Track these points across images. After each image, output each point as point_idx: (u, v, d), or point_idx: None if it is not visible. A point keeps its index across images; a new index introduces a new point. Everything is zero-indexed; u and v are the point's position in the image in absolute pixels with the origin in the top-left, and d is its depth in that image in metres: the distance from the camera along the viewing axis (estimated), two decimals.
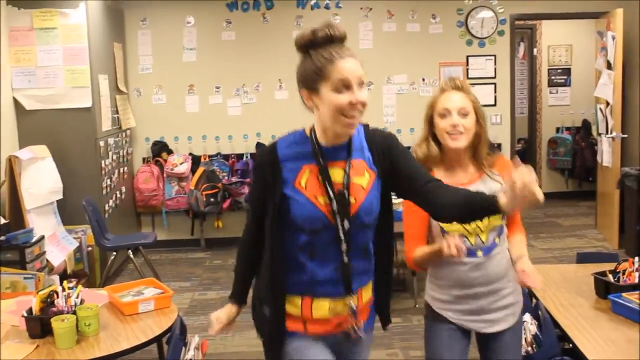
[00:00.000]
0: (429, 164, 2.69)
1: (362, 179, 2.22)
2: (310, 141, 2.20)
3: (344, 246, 2.19)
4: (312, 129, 2.23)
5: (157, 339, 3.24)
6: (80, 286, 3.45)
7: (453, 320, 2.73)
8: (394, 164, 2.24)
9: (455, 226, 2.62)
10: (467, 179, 2.68)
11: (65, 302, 3.24)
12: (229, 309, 2.53)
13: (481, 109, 2.69)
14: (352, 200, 2.19)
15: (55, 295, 3.26)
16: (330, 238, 2.19)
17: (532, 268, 2.59)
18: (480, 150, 2.69)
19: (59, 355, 2.96)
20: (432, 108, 2.69)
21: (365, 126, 2.31)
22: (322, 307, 2.26)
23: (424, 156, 2.70)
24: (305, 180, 2.17)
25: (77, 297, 3.29)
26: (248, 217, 2.40)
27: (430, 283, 2.83)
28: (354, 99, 2.07)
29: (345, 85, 2.06)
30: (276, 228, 2.21)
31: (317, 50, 2.10)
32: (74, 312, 3.15)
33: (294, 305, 2.28)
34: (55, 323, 3.03)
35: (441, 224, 2.65)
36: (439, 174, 2.68)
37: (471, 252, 2.65)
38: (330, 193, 2.16)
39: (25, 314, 3.17)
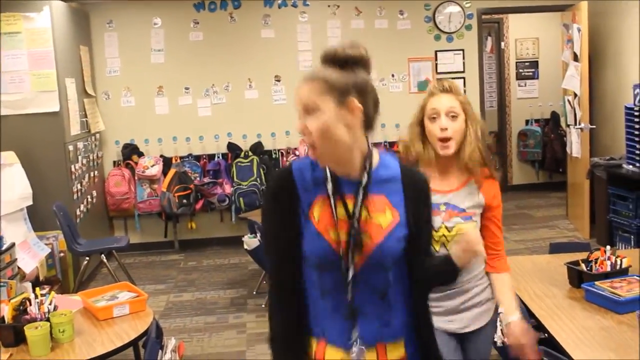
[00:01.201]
0: (421, 164, 2.67)
1: (383, 216, 1.96)
2: (324, 168, 1.97)
3: (350, 287, 1.94)
4: None
5: (133, 343, 3.22)
6: (53, 292, 3.44)
7: (435, 324, 2.74)
8: (421, 215, 2.04)
9: None
10: (456, 184, 2.68)
11: (39, 309, 3.21)
12: None
13: (472, 111, 2.65)
14: (367, 238, 1.93)
15: (28, 303, 3.23)
16: (340, 278, 1.94)
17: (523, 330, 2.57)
18: (466, 152, 2.62)
19: None
20: (422, 111, 2.66)
21: (400, 160, 2.07)
22: (335, 355, 2.00)
23: (417, 156, 2.68)
24: (319, 211, 1.95)
25: (50, 304, 3.27)
26: (274, 275, 2.05)
27: None
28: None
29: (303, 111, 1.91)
30: (298, 259, 1.98)
31: None
32: (48, 319, 3.13)
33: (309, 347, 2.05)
34: (29, 331, 3.01)
35: None
36: (431, 176, 2.67)
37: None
38: (341, 227, 1.93)
39: None
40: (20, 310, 3.21)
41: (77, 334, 3.19)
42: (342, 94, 1.86)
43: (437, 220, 2.62)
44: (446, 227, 2.63)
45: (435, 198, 2.62)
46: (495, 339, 3.16)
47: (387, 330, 1.99)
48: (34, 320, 3.13)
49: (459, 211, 2.64)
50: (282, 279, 2.01)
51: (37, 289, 3.44)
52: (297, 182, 1.96)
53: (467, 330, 2.75)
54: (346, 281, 1.93)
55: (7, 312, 3.15)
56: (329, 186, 1.94)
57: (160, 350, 3.31)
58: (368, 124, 1.93)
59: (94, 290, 3.79)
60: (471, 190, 2.67)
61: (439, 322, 2.71)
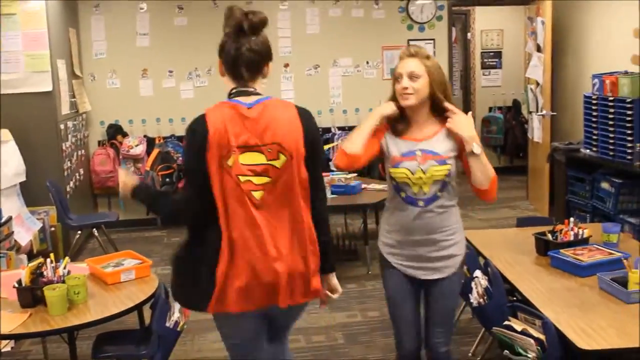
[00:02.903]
0: (391, 120, 3.03)
1: None
2: None
3: None
4: None
5: (143, 304, 3.40)
6: (67, 258, 3.61)
7: (396, 266, 3.06)
8: None
9: (401, 174, 2.96)
10: (430, 133, 2.99)
11: (54, 273, 3.40)
12: None
13: (437, 73, 2.94)
14: None
15: (44, 267, 3.43)
16: None
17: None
18: (440, 107, 2.98)
19: (54, 321, 3.11)
20: (394, 74, 3.02)
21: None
22: None
23: (394, 114, 3.02)
24: None
25: (64, 269, 3.46)
26: None
27: (381, 229, 3.16)
28: None
29: None
30: None
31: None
32: (64, 282, 3.32)
33: None
34: (48, 291, 3.19)
35: (390, 169, 3.00)
36: (402, 129, 3.02)
37: (413, 201, 2.97)
38: None
39: (17, 285, 3.31)
40: (37, 274, 3.39)
41: (90, 297, 3.37)
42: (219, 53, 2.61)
43: (413, 165, 2.94)
44: (422, 170, 2.93)
45: (410, 144, 3.00)
46: (471, 300, 3.52)
47: None
48: (51, 282, 3.31)
49: (433, 155, 2.95)
50: None
51: (52, 254, 3.60)
52: None
53: (430, 277, 3.04)
54: None
55: (24, 276, 3.31)
56: None
57: (167, 312, 3.53)
58: (231, 75, 2.60)
59: (100, 258, 3.95)
60: (444, 136, 2.98)
61: (399, 265, 3.07)
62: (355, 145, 2.94)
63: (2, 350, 4.52)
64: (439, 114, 3.00)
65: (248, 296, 2.53)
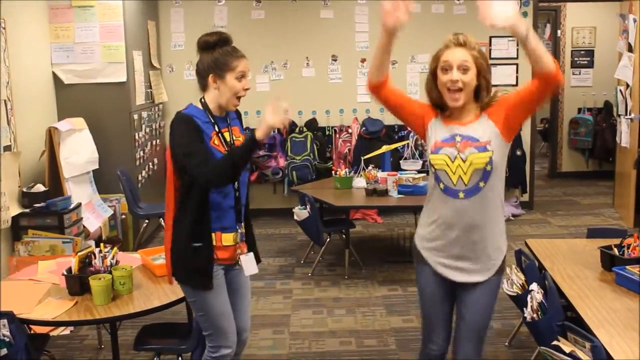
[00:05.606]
0: (434, 107, 2.86)
1: (241, 138, 3.07)
2: (207, 114, 2.96)
3: (236, 184, 3.03)
4: (205, 105, 2.98)
5: (186, 298, 3.37)
6: (115, 248, 3.64)
7: (430, 263, 2.87)
8: None
9: (439, 161, 2.77)
10: (465, 120, 2.78)
11: (102, 263, 3.47)
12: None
13: (484, 63, 2.73)
14: None
15: (93, 256, 3.49)
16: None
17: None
18: (481, 97, 2.75)
19: (97, 310, 3.18)
20: (436, 61, 2.79)
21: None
22: (229, 239, 3.04)
23: (433, 102, 2.85)
24: (217, 140, 2.94)
25: (112, 259, 3.52)
26: (203, 156, 2.85)
27: (420, 220, 2.99)
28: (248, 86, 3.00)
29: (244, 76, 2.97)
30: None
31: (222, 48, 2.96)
32: (110, 272, 3.37)
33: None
34: (93, 281, 3.25)
35: (430, 156, 2.81)
36: (448, 114, 2.82)
37: (453, 192, 2.75)
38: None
39: (65, 273, 3.40)
40: (86, 262, 3.45)
41: (136, 288, 3.43)
42: None
43: (452, 151, 2.75)
44: (461, 158, 2.73)
45: (449, 130, 2.79)
46: (525, 314, 3.34)
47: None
48: (98, 272, 3.38)
49: (473, 141, 2.73)
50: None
51: (102, 244, 3.68)
52: (199, 123, 2.90)
53: (463, 279, 2.83)
54: (236, 183, 3.02)
55: (74, 264, 3.39)
56: (216, 125, 2.97)
57: None
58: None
59: (153, 249, 4.01)
60: (485, 120, 2.76)
61: (433, 262, 2.86)
62: (370, 69, 2.93)
63: (60, 334, 4.64)
64: (478, 97, 2.77)
65: None
